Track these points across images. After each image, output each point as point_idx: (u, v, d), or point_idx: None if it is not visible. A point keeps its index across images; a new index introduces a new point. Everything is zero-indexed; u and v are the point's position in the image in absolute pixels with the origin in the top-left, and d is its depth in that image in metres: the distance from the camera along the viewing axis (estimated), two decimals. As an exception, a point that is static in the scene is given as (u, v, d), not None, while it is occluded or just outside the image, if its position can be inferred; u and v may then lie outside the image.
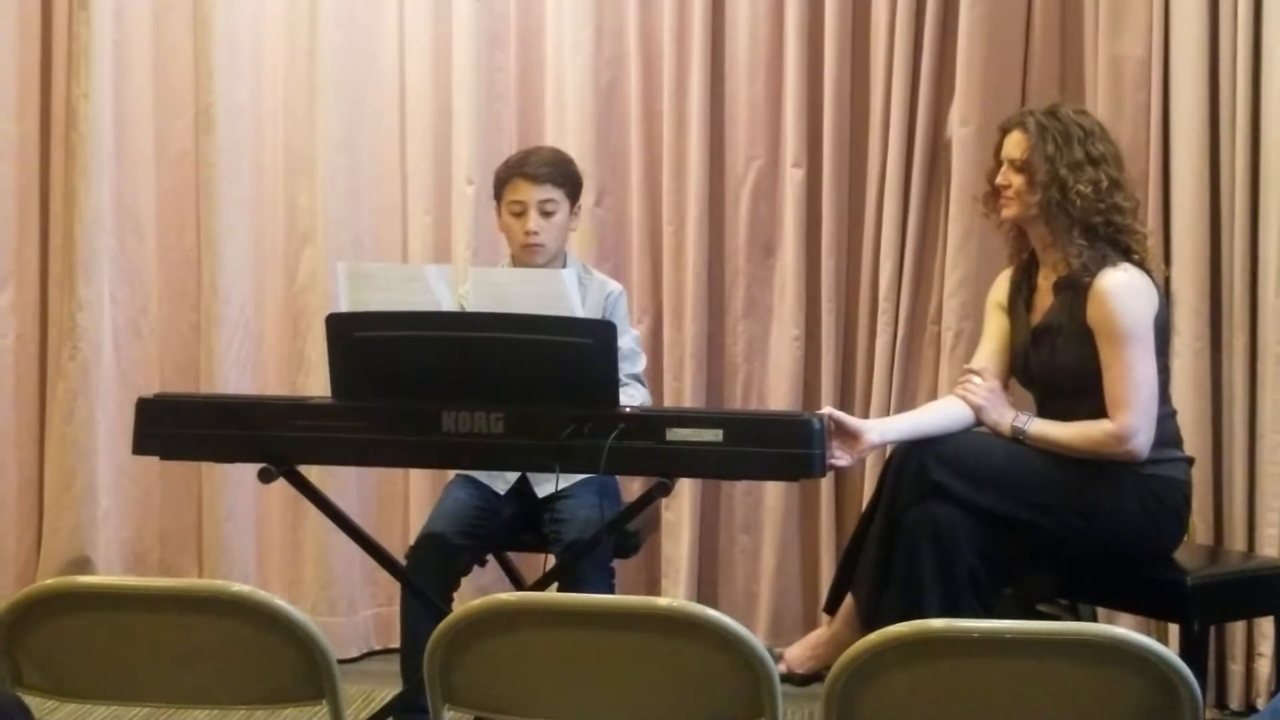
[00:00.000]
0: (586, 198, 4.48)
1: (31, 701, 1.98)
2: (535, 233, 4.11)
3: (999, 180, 3.84)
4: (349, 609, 5.03)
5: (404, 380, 3.57)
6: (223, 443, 3.72)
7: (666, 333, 4.93)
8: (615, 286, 4.26)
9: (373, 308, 3.67)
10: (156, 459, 3.86)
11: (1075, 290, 3.73)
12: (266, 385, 5.02)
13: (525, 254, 4.15)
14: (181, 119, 5.04)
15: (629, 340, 4.15)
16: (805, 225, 4.86)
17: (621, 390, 3.63)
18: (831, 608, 3.89)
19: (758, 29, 4.87)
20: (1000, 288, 3.97)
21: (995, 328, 3.95)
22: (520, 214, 4.13)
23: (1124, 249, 3.74)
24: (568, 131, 4.91)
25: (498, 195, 4.21)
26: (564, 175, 4.17)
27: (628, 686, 2.63)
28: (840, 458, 3.66)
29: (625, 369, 4.01)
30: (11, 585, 4.90)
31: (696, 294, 4.89)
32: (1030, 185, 3.76)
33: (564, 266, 4.11)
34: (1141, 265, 3.74)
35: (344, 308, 3.72)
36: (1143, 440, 3.66)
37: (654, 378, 4.76)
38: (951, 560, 3.60)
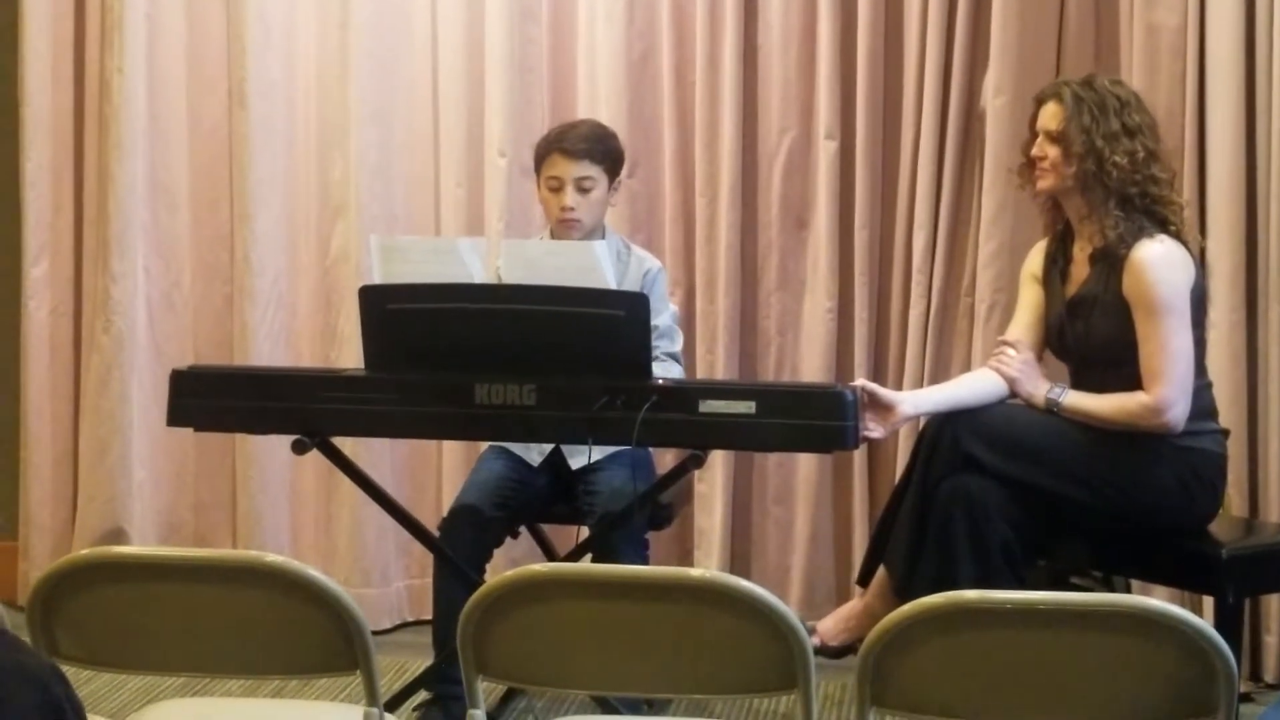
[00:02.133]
0: (619, 170, 4.47)
1: (67, 671, 1.98)
2: (571, 209, 4.09)
3: (1034, 152, 3.81)
4: (382, 580, 5.05)
5: (437, 352, 3.58)
6: (256, 414, 3.74)
7: (699, 305, 4.92)
8: (654, 263, 4.25)
9: (405, 280, 3.68)
10: (190, 431, 3.88)
11: (1111, 262, 3.71)
12: (299, 358, 5.04)
13: (561, 229, 4.14)
14: (215, 93, 5.05)
15: (667, 318, 4.14)
16: (838, 197, 4.84)
17: (660, 366, 3.62)
18: (864, 580, 3.89)
19: (791, 0, 4.84)
20: (1035, 259, 3.95)
21: (1030, 299, 3.93)
22: (557, 189, 4.12)
23: (1160, 220, 3.72)
24: (600, 103, 4.90)
25: (537, 169, 4.20)
26: (603, 152, 4.14)
27: (660, 657, 2.63)
28: (873, 430, 3.65)
29: (663, 346, 4.02)
30: (47, 556, 4.93)
31: (729, 266, 4.88)
32: (1066, 157, 3.74)
33: (600, 240, 4.11)
34: (1178, 236, 3.72)
35: (377, 280, 3.72)
36: (1178, 413, 3.64)
37: (687, 350, 4.74)
38: (985, 532, 3.59)
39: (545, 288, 3.59)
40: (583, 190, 4.11)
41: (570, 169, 4.10)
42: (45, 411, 5.10)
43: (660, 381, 3.56)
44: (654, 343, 3.76)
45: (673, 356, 4.11)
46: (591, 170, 4.11)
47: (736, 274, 4.90)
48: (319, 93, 5.05)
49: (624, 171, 4.31)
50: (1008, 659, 2.51)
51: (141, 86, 4.95)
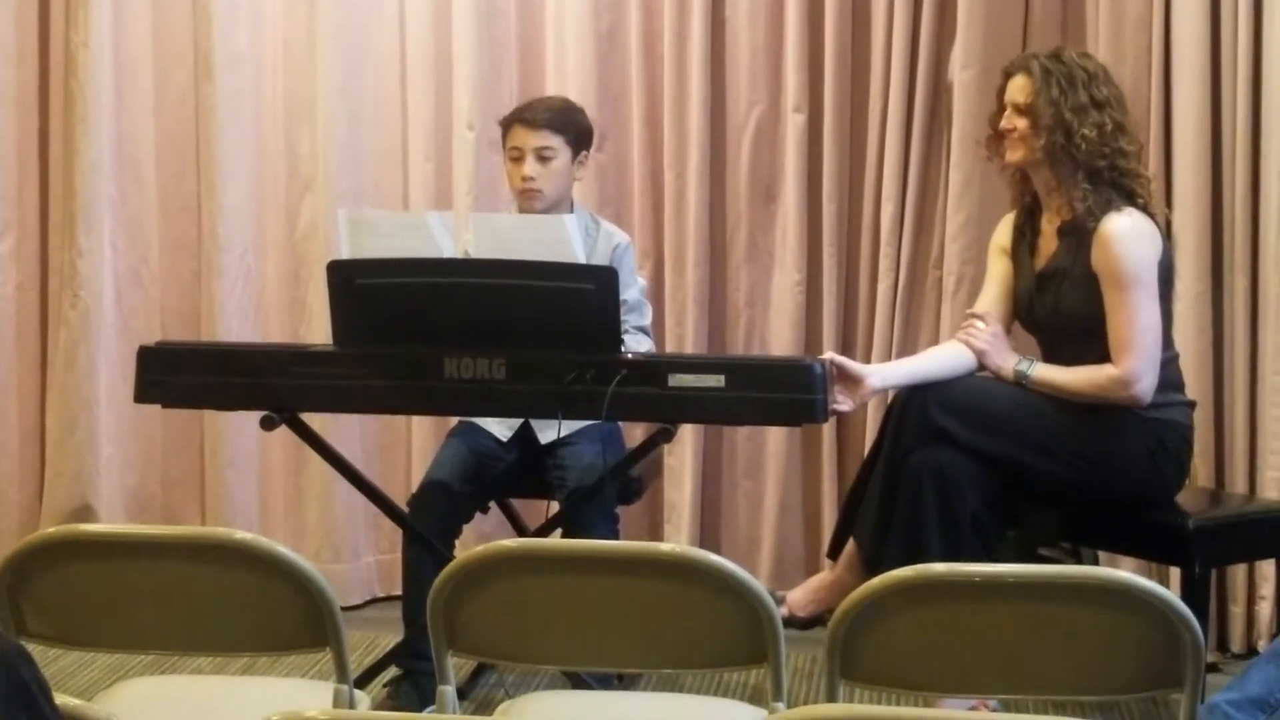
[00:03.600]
0: (586, 143, 4.46)
1: (34, 649, 1.98)
2: (531, 178, 4.09)
3: (1003, 124, 3.82)
4: (352, 556, 5.04)
5: (406, 327, 3.58)
6: (225, 390, 3.73)
7: (668, 278, 4.92)
8: (623, 238, 4.25)
9: (374, 255, 3.67)
10: (158, 407, 3.86)
11: (1080, 235, 3.72)
12: (268, 333, 5.02)
13: (523, 199, 4.15)
14: (181, 66, 5.02)
15: (635, 292, 4.15)
16: (806, 170, 4.84)
17: (629, 339, 3.63)
18: (834, 552, 3.90)
19: (759, -28, 4.84)
20: (1003, 232, 3.96)
21: (998, 272, 3.94)
22: (518, 159, 4.12)
23: (1128, 193, 3.73)
24: (568, 76, 4.88)
25: (503, 142, 4.20)
26: (564, 122, 4.14)
27: (630, 632, 2.64)
28: (842, 403, 3.66)
29: (632, 320, 4.02)
30: (14, 534, 4.91)
31: (698, 239, 4.88)
32: (1035, 129, 3.74)
33: (569, 214, 4.11)
34: (1145, 209, 3.73)
35: (345, 255, 3.71)
36: (1146, 385, 3.66)
37: (656, 324, 4.73)
38: (953, 504, 3.60)
39: (514, 262, 3.58)
40: (543, 159, 4.10)
41: (530, 139, 4.10)
42: (11, 388, 5.07)
43: (630, 356, 3.56)
44: (623, 317, 3.76)
45: (642, 330, 4.11)
46: (552, 140, 4.11)
47: (705, 247, 4.90)
48: (286, 66, 5.02)
49: (593, 145, 4.30)
50: (977, 631, 2.52)
51: (107, 60, 4.92)
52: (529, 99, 4.41)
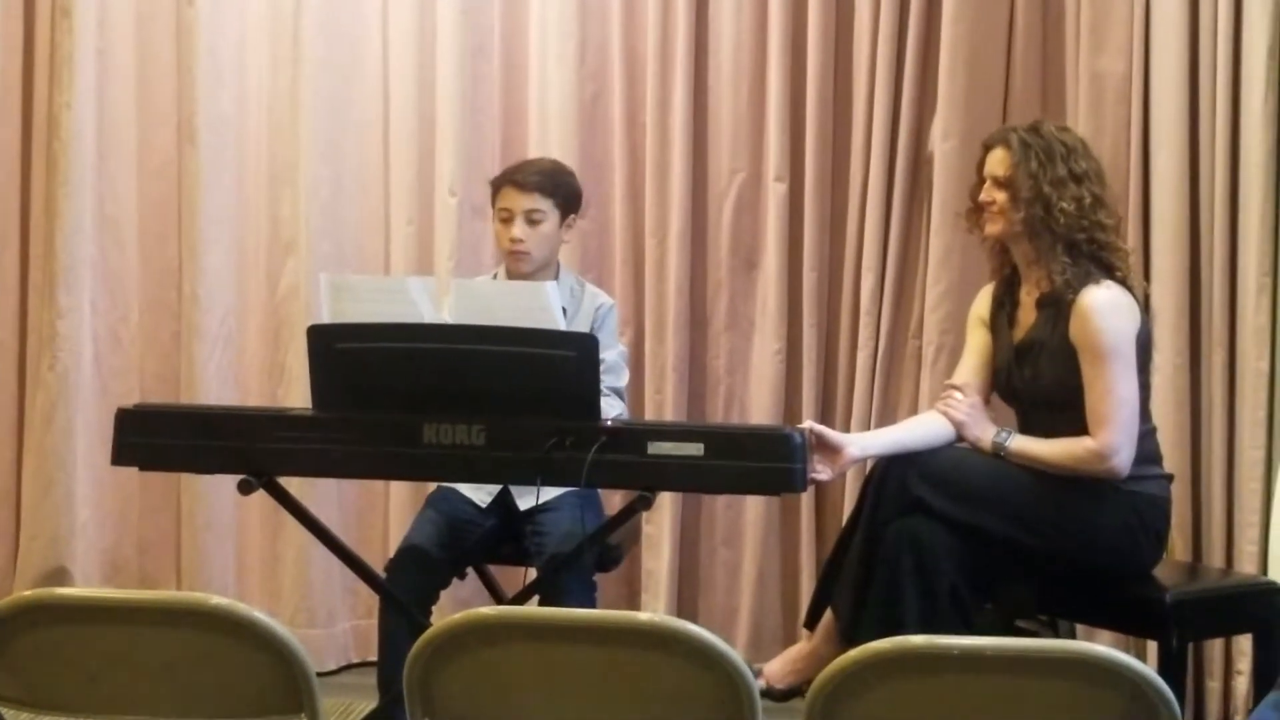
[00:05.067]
0: (569, 209, 4.48)
1: (7, 714, 1.97)
2: (519, 240, 4.12)
3: (982, 197, 3.83)
4: (328, 621, 5.02)
5: (385, 392, 3.57)
6: (202, 453, 3.71)
7: (648, 345, 4.93)
8: (606, 300, 4.27)
9: (355, 319, 3.67)
10: (135, 469, 3.85)
11: (1058, 307, 3.73)
12: (247, 396, 5.01)
13: (511, 261, 4.17)
14: (164, 128, 5.03)
15: (614, 354, 4.16)
16: (787, 238, 4.86)
17: (603, 401, 3.62)
18: (811, 623, 3.89)
19: (741, 42, 4.87)
20: (982, 303, 3.97)
21: (977, 343, 3.95)
22: (508, 220, 4.15)
23: (1106, 266, 3.74)
24: (551, 143, 4.91)
25: (492, 202, 4.22)
26: (554, 185, 4.17)
27: (608, 701, 2.62)
28: (821, 472, 3.66)
29: (608, 381, 4.02)
30: (-12, 595, 4.88)
31: (679, 306, 4.90)
32: (1014, 202, 3.76)
33: (555, 277, 4.12)
34: (1124, 282, 3.74)
35: (326, 319, 3.71)
36: (1124, 458, 3.66)
37: (635, 390, 4.75)
38: (932, 576, 3.60)
39: (495, 328, 3.58)
40: (532, 222, 4.13)
41: (520, 201, 4.12)
42: (-13, 448, 5.06)
43: (610, 423, 3.56)
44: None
45: (615, 391, 4.12)
46: (542, 204, 4.13)
47: (686, 314, 4.92)
48: (270, 129, 5.04)
49: (579, 210, 4.32)
50: (954, 704, 2.51)
51: (90, 121, 4.93)
52: (516, 161, 4.42)
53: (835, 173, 4.86)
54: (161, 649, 2.64)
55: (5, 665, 2.64)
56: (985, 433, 3.77)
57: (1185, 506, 4.42)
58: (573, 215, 4.24)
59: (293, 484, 3.97)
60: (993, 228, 3.82)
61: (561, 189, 4.19)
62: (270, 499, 3.82)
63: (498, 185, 4.22)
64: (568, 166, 4.35)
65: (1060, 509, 3.67)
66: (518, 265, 4.15)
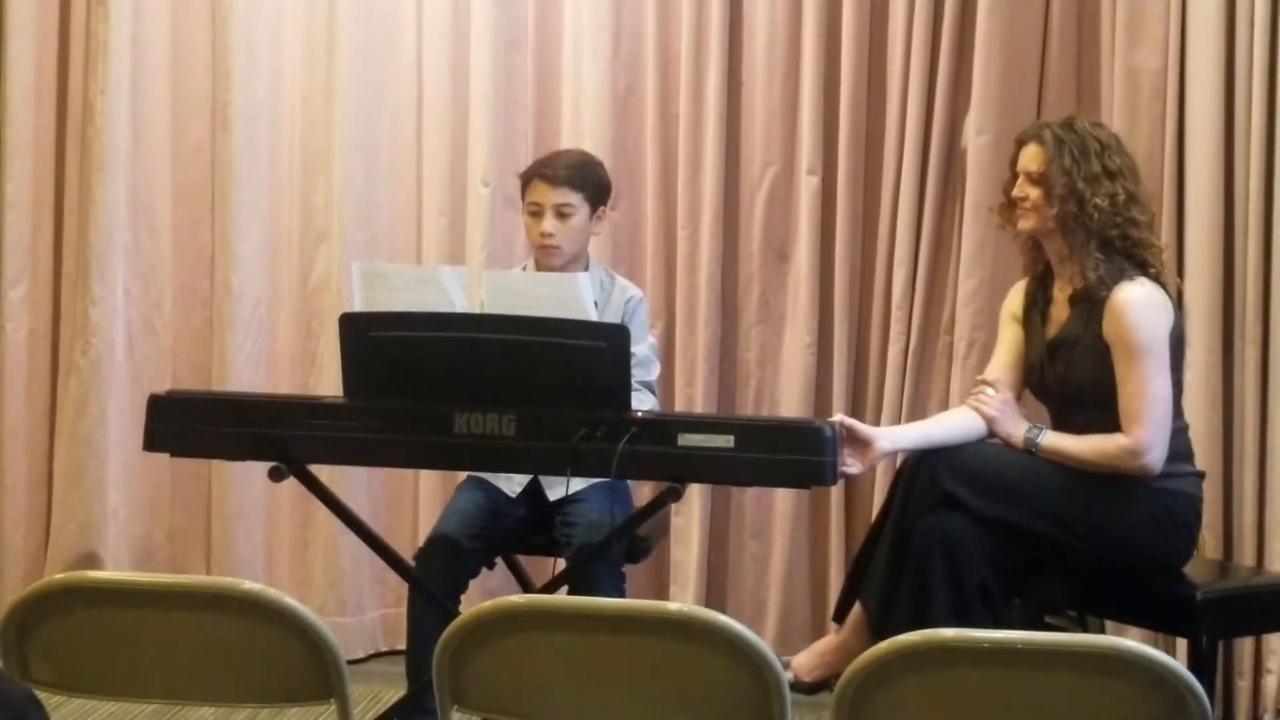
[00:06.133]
0: (601, 201, 4.48)
1: (39, 695, 1.98)
2: (550, 234, 4.11)
3: (1015, 193, 3.82)
4: (357, 609, 5.03)
5: (416, 381, 3.58)
6: (234, 441, 3.72)
7: (679, 337, 4.92)
8: (636, 292, 4.26)
9: (386, 308, 3.68)
10: (166, 456, 3.86)
11: (1091, 303, 3.72)
12: (279, 384, 5.03)
13: (541, 255, 4.16)
14: (198, 117, 5.05)
15: (644, 347, 4.15)
16: (819, 232, 4.85)
17: (633, 395, 3.62)
18: (840, 616, 3.88)
19: (775, 35, 4.87)
20: (1015, 299, 3.96)
21: (1009, 339, 3.94)
22: (538, 214, 4.14)
23: (1140, 262, 3.73)
24: (584, 135, 4.91)
25: (522, 195, 4.21)
26: (584, 179, 4.15)
27: (636, 691, 2.62)
28: (851, 465, 3.65)
29: (638, 375, 4.01)
30: (20, 580, 4.90)
31: (710, 298, 4.90)
32: (1047, 198, 3.74)
33: (585, 270, 4.11)
34: (1157, 279, 3.73)
35: (358, 308, 3.72)
36: (1156, 455, 3.65)
37: (666, 382, 4.75)
38: (961, 570, 3.59)
39: (527, 318, 3.58)
40: (562, 216, 4.12)
41: (551, 195, 4.11)
42: (20, 434, 5.07)
43: (640, 414, 3.56)
44: (630, 370, 3.77)
45: (646, 385, 4.11)
46: (572, 197, 4.12)
47: (717, 306, 4.91)
48: (304, 118, 5.05)
49: (609, 202, 4.32)
50: (983, 698, 2.51)
51: (124, 109, 4.94)
52: (550, 152, 4.42)
53: (868, 166, 4.86)
54: (192, 634, 2.65)
55: (37, 648, 2.66)
56: (1016, 428, 3.76)
57: (1216, 504, 4.40)
58: (603, 207, 4.23)
59: (322, 472, 3.98)
60: (1025, 224, 3.81)
61: (591, 181, 4.18)
62: (300, 487, 3.83)
63: (527, 179, 4.20)
64: (596, 158, 4.33)
65: (1091, 506, 3.66)
66: (548, 260, 4.14)
